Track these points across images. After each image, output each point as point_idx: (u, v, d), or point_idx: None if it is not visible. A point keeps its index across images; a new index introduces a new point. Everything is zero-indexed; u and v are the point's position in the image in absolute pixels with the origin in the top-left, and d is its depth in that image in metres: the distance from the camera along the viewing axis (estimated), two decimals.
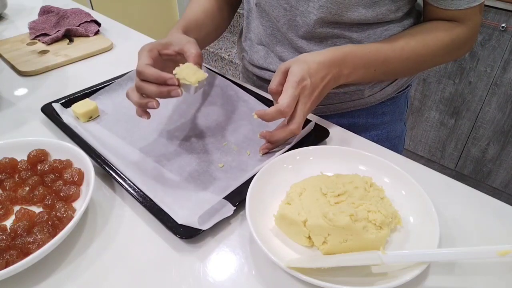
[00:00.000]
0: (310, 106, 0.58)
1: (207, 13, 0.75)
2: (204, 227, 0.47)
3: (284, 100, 0.53)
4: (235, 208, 0.50)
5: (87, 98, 0.71)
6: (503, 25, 1.48)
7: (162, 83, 0.54)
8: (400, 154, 0.62)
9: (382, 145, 0.64)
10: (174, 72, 0.54)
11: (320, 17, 0.64)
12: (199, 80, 0.53)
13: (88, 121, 0.68)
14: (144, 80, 0.55)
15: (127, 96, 0.57)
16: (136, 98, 0.56)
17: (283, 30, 0.70)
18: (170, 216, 0.49)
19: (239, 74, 0.83)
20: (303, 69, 0.56)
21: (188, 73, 0.53)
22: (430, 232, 0.44)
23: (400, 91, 0.80)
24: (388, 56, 0.63)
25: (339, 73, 0.60)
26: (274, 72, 0.75)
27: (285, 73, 0.57)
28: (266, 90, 0.59)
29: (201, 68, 0.56)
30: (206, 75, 0.54)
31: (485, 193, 0.54)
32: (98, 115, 0.70)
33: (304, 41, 0.69)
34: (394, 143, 0.83)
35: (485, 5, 1.49)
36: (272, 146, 0.60)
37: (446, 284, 0.43)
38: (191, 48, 0.57)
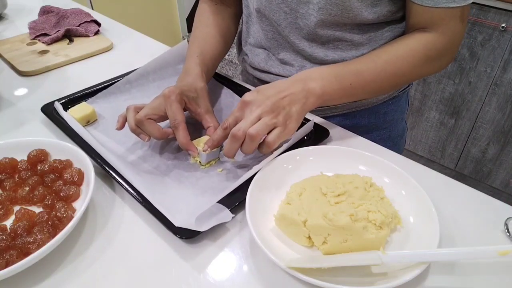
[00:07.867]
0: (262, 113, 0.53)
1: (225, 43, 0.76)
2: (202, 228, 0.46)
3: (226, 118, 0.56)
4: (234, 216, 0.49)
5: (84, 102, 0.71)
6: (503, 25, 1.48)
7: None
8: (402, 152, 0.61)
9: (385, 145, 0.64)
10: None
11: (321, 19, 0.64)
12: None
13: (85, 125, 0.67)
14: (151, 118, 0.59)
15: (126, 110, 0.61)
16: (132, 123, 0.59)
17: (285, 33, 0.69)
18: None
19: (238, 75, 0.83)
20: (252, 92, 0.57)
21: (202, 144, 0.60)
22: (430, 232, 0.44)
23: (402, 90, 0.80)
24: (359, 68, 0.61)
25: (305, 87, 0.57)
26: (276, 74, 0.75)
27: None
28: None
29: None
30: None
31: (485, 193, 0.54)
32: (96, 119, 0.69)
33: (306, 42, 0.69)
34: (396, 142, 0.83)
35: (485, 5, 1.49)
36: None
37: (446, 284, 0.43)
38: (212, 121, 0.63)
